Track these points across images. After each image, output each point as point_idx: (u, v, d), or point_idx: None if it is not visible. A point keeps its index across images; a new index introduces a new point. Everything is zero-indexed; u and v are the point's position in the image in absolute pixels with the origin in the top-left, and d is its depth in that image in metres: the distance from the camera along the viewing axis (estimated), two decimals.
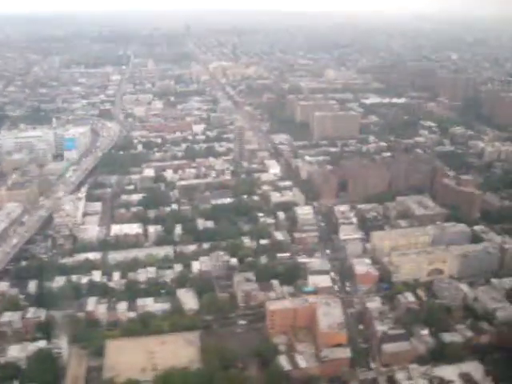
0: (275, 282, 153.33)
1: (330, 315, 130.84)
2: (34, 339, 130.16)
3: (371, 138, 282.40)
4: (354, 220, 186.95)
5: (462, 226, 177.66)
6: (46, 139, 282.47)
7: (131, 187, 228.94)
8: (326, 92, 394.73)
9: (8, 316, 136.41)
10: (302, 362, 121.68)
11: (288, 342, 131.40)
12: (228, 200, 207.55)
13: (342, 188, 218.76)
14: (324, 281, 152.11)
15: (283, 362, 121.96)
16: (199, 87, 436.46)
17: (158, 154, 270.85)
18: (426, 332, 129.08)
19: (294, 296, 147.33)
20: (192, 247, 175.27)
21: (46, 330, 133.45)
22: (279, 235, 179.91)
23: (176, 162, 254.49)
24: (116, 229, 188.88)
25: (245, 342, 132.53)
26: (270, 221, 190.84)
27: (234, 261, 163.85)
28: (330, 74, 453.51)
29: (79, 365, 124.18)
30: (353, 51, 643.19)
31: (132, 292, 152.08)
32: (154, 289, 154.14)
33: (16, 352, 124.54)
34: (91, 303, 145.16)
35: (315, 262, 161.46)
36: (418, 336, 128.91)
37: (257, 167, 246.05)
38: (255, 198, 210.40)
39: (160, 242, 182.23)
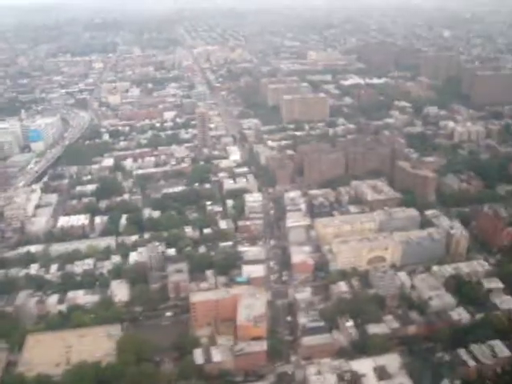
0: (210, 273, 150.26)
1: (251, 307, 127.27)
2: None
3: (340, 121, 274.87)
4: (303, 206, 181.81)
5: (411, 211, 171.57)
6: (12, 131, 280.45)
7: (89, 177, 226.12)
8: (306, 74, 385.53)
9: None
10: (217, 356, 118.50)
11: (211, 334, 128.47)
12: (180, 188, 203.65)
13: (300, 173, 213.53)
14: (257, 270, 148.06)
15: (198, 355, 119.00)
16: (179, 73, 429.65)
17: (122, 143, 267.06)
18: (350, 324, 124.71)
19: (227, 286, 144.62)
20: (134, 238, 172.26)
21: None
22: (223, 224, 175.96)
23: (138, 151, 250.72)
24: (63, 220, 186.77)
25: (167, 334, 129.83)
26: (218, 209, 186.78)
27: (171, 251, 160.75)
28: (312, 56, 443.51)
29: None
30: (343, 32, 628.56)
31: (66, 284, 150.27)
32: (90, 280, 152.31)
33: None
34: (21, 297, 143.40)
35: (251, 251, 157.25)
36: (343, 328, 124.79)
37: (218, 154, 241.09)
38: (207, 185, 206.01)
39: (105, 232, 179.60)
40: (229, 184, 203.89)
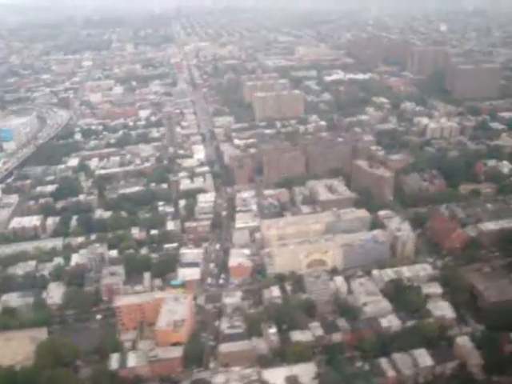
0: (147, 275, 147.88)
1: (173, 312, 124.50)
2: None
3: (313, 118, 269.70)
4: (254, 207, 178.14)
5: (360, 212, 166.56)
6: None
7: (52, 178, 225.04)
8: (291, 70, 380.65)
9: None
10: (132, 361, 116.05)
11: (134, 338, 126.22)
12: (136, 189, 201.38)
13: (261, 173, 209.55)
14: (193, 273, 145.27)
15: (114, 360, 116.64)
16: (166, 70, 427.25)
17: (92, 142, 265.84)
18: (273, 330, 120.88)
19: (162, 289, 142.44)
20: (81, 239, 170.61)
21: None
22: (171, 225, 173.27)
23: (105, 150, 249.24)
24: (15, 222, 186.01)
25: (94, 338, 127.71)
26: (169, 210, 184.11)
27: (113, 253, 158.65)
28: (300, 52, 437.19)
29: None
30: (340, 27, 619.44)
31: (4, 287, 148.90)
32: (29, 283, 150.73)
33: None
34: None
35: (190, 253, 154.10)
36: (266, 334, 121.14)
37: (183, 153, 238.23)
38: (164, 185, 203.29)
39: (56, 233, 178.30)
40: (185, 184, 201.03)
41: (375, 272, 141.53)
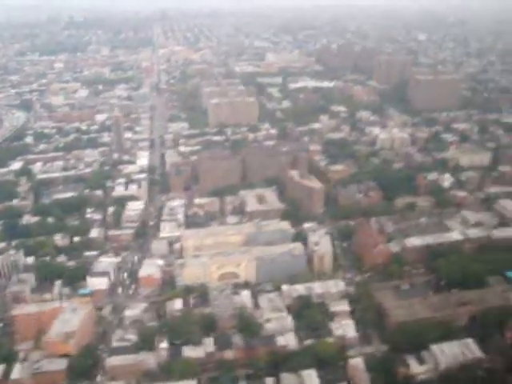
0: (58, 283, 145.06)
1: (67, 322, 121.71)
2: None
3: (265, 126, 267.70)
4: (181, 217, 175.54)
5: (283, 224, 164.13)
6: None
7: None
8: (258, 76, 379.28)
9: None
10: (16, 373, 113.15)
11: (29, 349, 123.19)
12: (69, 194, 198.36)
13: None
14: (101, 283, 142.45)
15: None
16: (135, 74, 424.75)
17: (42, 146, 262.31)
18: (164, 345, 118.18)
19: (70, 298, 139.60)
20: (2, 244, 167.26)
21: None
22: (94, 232, 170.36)
23: (51, 155, 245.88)
24: None
25: None
26: (97, 217, 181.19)
27: (30, 259, 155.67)
28: (270, 58, 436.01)
29: None
30: (319, 33, 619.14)
31: None
32: None
33: None
34: None
35: (103, 262, 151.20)
36: (157, 349, 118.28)
37: (127, 159, 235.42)
38: (99, 192, 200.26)
39: None
40: (118, 191, 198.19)
41: (285, 287, 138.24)
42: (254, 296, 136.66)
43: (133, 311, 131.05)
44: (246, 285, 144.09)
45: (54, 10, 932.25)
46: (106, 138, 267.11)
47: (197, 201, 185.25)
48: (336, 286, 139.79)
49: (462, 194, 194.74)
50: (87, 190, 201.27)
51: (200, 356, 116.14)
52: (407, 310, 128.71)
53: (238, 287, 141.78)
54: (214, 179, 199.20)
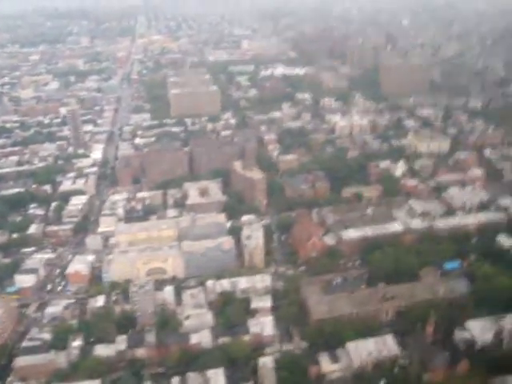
0: None
1: None
2: None
3: (226, 115, 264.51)
4: (121, 211, 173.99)
5: (218, 218, 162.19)
6: None
7: None
8: (230, 64, 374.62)
9: None
10: None
11: None
12: (16, 190, 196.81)
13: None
14: (29, 280, 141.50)
15: None
16: (109, 65, 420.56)
17: (1, 141, 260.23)
18: (77, 343, 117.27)
19: None
20: None
21: None
22: (33, 228, 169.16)
23: (7, 149, 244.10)
24: None
25: None
26: (40, 212, 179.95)
27: None
28: (244, 45, 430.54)
29: None
30: (302, 19, 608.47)
31: None
32: None
33: None
34: None
35: (33, 258, 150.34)
36: (69, 347, 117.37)
37: (82, 152, 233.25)
38: (47, 187, 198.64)
39: None
40: (65, 185, 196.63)
41: (209, 283, 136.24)
42: (178, 292, 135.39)
43: (54, 308, 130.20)
44: (173, 280, 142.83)
45: (40, 1, 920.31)
46: (66, 131, 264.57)
47: (139, 194, 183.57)
48: (262, 280, 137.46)
49: (412, 182, 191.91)
50: (35, 186, 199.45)
51: (111, 354, 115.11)
52: (330, 306, 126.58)
53: (165, 283, 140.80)
54: (161, 172, 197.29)
